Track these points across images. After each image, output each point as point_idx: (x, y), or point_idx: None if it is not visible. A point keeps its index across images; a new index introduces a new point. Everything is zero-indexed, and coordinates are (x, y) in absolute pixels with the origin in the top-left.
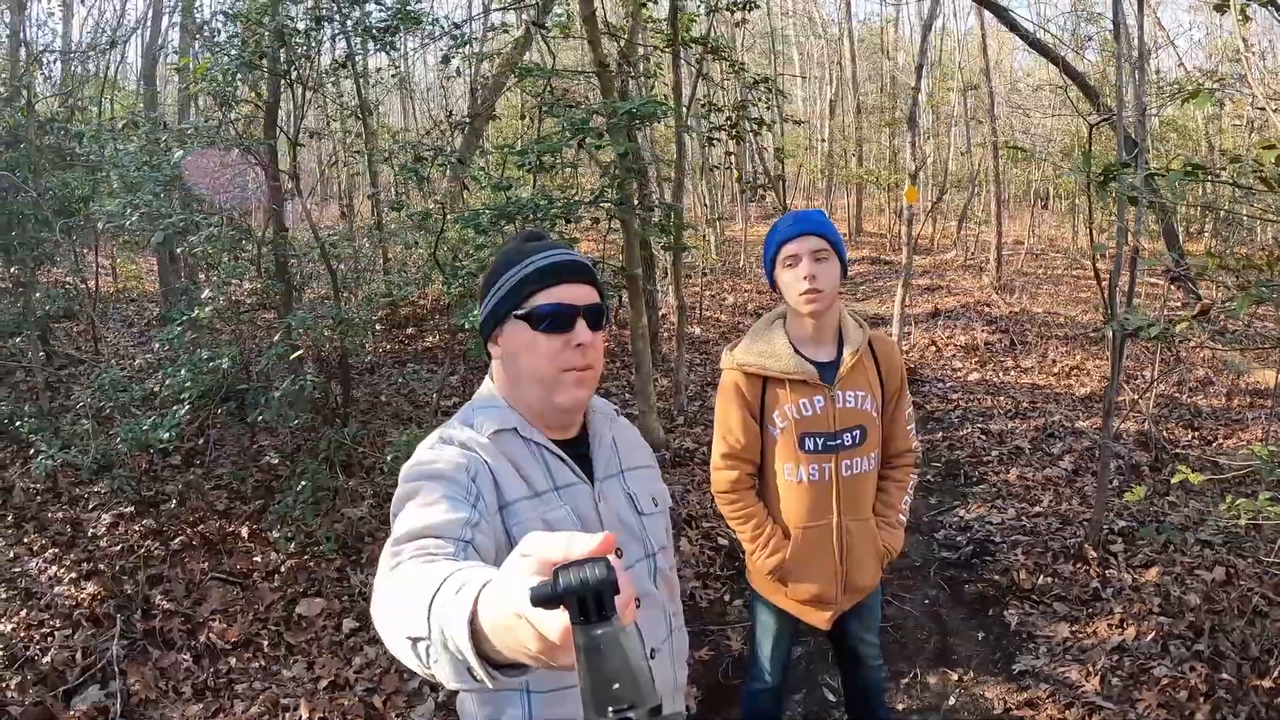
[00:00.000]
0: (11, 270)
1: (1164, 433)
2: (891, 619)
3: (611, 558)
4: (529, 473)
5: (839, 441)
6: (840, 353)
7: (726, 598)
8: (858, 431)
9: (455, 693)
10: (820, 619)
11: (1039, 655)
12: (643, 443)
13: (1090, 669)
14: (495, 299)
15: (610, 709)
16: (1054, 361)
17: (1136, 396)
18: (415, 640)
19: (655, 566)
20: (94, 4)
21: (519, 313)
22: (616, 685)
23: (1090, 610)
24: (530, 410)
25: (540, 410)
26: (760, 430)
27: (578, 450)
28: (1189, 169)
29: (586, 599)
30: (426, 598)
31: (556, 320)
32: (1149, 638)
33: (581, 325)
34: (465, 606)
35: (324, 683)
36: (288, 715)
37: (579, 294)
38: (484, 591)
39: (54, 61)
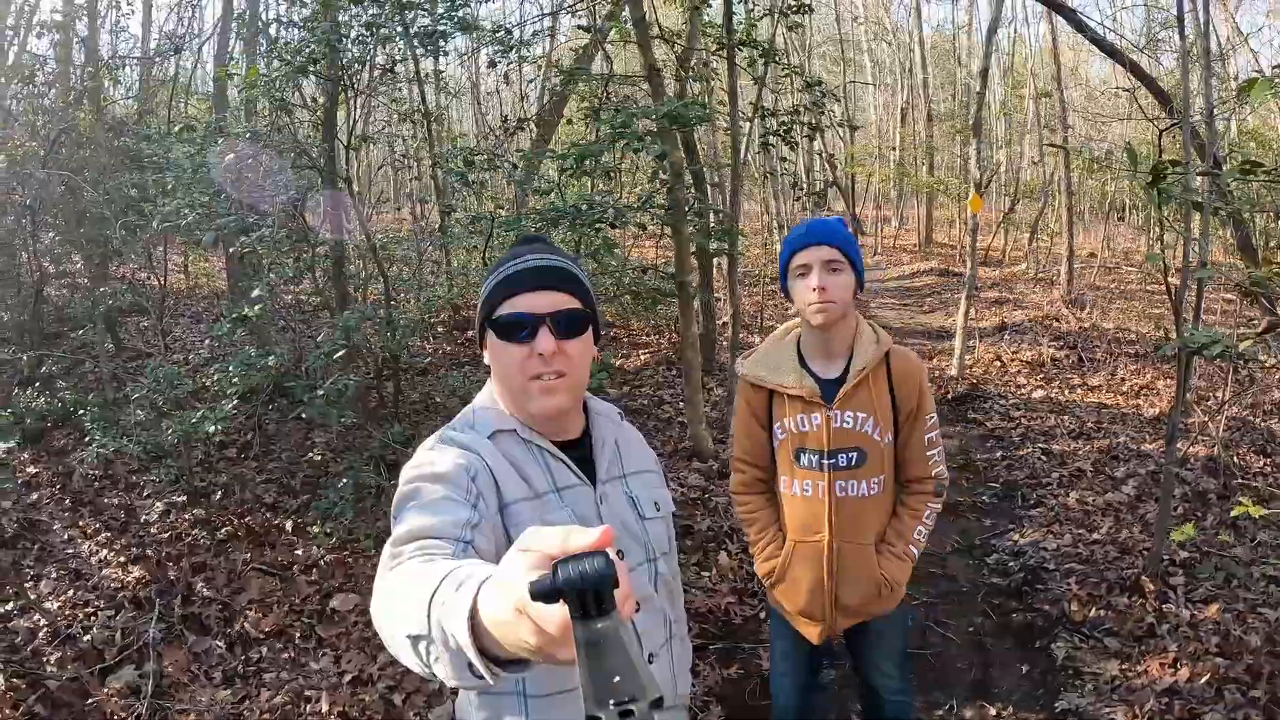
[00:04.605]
0: (78, 265)
1: (1234, 458)
2: (931, 646)
3: (611, 553)
4: (529, 474)
5: (834, 461)
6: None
7: (761, 615)
8: (854, 453)
9: None
10: (811, 633)
11: (1084, 693)
12: (647, 448)
13: (1137, 711)
14: (480, 306)
15: (611, 702)
16: (1123, 380)
17: (1206, 419)
18: (416, 638)
19: (656, 571)
20: (171, 12)
21: (489, 321)
22: (617, 679)
23: (1143, 647)
24: (520, 414)
25: (522, 417)
26: (770, 438)
27: (580, 453)
28: (1245, 166)
29: (586, 593)
30: (426, 595)
31: (517, 330)
32: (1203, 680)
33: (544, 334)
34: (465, 602)
35: (348, 677)
36: (310, 707)
37: (543, 301)
38: (484, 587)
39: (122, 67)
